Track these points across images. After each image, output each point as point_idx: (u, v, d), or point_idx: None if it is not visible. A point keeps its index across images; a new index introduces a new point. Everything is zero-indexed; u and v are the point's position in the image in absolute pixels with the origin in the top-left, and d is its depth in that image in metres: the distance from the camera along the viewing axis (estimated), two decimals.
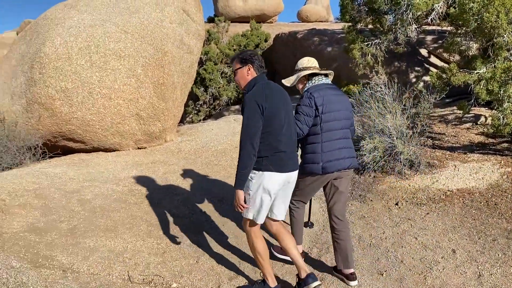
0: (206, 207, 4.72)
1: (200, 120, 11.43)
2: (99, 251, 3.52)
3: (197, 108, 11.65)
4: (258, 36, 11.87)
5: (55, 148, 6.57)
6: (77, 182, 4.90)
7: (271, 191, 2.97)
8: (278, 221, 3.24)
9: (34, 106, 6.06)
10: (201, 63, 11.28)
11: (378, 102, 6.18)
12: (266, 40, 12.68)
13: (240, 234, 4.24)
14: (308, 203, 3.78)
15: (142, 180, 5.20)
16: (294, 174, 3.13)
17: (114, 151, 6.76)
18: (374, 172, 5.75)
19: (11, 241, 3.45)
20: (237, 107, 10.97)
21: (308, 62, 3.63)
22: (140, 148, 6.94)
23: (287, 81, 3.63)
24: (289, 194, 3.24)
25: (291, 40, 12.80)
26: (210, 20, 17.89)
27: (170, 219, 4.31)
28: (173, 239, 3.91)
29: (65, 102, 6.05)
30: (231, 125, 7.73)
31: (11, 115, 6.29)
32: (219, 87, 11.14)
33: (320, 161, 3.33)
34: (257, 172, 2.94)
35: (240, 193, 2.90)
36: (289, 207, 3.67)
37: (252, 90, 2.99)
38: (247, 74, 3.09)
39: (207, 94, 11.31)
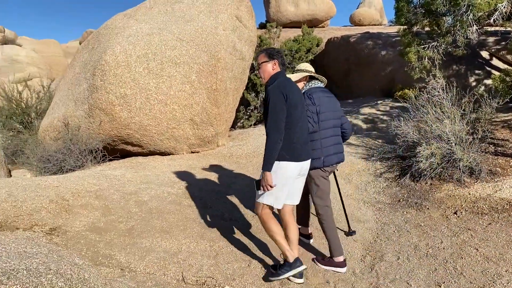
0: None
1: (251, 125, 11.54)
2: (154, 251, 3.64)
3: (248, 113, 11.77)
4: (309, 41, 11.80)
5: (114, 151, 6.88)
6: (134, 184, 5.10)
7: (289, 179, 3.21)
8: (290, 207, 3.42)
9: (95, 111, 6.38)
10: (252, 68, 11.39)
11: (435, 107, 5.94)
12: (318, 45, 12.60)
13: None
14: (343, 211, 3.77)
15: (195, 183, 5.32)
16: (307, 164, 3.37)
17: (169, 154, 6.98)
18: (431, 179, 5.53)
19: (74, 239, 3.65)
20: None
21: (311, 68, 3.98)
22: (194, 152, 7.11)
23: (290, 76, 3.79)
24: (301, 187, 3.46)
25: (344, 44, 12.64)
26: (262, 26, 18.06)
27: (223, 222, 4.38)
28: (226, 242, 3.96)
29: (124, 107, 6.33)
30: None
31: (74, 120, 6.68)
32: None
33: (322, 155, 3.66)
34: (277, 162, 3.15)
35: (269, 175, 3.07)
36: (318, 219, 3.82)
37: (275, 83, 3.20)
38: (273, 68, 3.33)
39: (258, 100, 11.39)
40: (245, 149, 6.83)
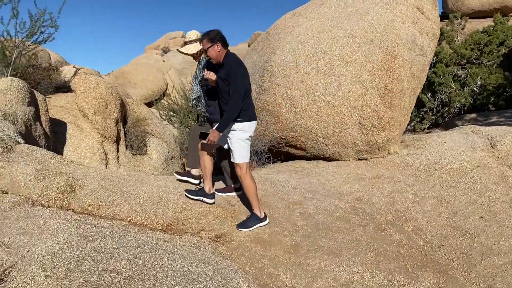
0: (446, 240, 3.90)
1: (423, 129, 10.30)
2: (323, 278, 3.18)
3: (421, 115, 10.52)
4: (503, 32, 9.94)
5: (278, 154, 6.72)
6: (299, 193, 4.76)
7: (251, 135, 3.90)
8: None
9: (262, 113, 6.29)
10: (429, 65, 10.16)
11: None
12: None
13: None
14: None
15: (365, 198, 4.72)
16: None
17: (334, 160, 6.49)
18: None
19: (238, 251, 3.46)
20: (473, 115, 9.40)
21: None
22: (361, 159, 6.48)
23: (187, 49, 4.18)
24: None
25: None
26: (441, 17, 16.25)
27: (401, 250, 3.69)
28: (407, 277, 3.28)
29: (290, 109, 6.09)
30: (468, 138, 6.51)
31: None
32: (449, 92, 9.76)
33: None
34: (240, 123, 3.77)
35: (217, 134, 3.68)
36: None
37: (232, 61, 3.76)
38: (218, 50, 3.74)
39: (434, 100, 10.07)
40: (424, 159, 5.88)
